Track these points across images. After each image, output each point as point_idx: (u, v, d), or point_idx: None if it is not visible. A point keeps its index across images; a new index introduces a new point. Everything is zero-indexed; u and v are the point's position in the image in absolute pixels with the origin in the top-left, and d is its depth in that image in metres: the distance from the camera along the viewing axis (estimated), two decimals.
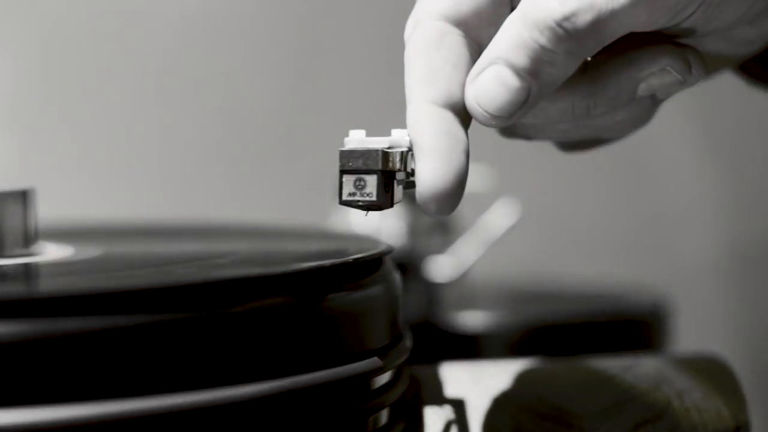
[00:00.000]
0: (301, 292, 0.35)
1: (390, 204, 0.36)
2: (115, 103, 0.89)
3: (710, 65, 0.41)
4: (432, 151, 0.35)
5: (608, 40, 0.36)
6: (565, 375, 0.44)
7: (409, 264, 0.70)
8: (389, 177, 0.36)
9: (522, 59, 0.35)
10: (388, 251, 0.41)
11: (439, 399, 0.43)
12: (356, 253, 0.39)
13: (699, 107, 1.01)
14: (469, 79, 0.36)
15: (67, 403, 0.30)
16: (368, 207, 0.36)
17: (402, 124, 0.37)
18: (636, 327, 0.70)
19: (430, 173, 0.35)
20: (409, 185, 0.38)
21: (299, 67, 0.93)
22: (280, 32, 0.93)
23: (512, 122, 0.36)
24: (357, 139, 0.36)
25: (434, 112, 0.36)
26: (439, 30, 0.37)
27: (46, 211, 0.53)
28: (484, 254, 0.72)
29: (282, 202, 0.91)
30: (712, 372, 0.45)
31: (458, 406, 0.43)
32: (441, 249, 0.72)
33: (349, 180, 0.36)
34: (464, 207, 0.75)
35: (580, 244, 1.02)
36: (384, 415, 0.38)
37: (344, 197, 0.36)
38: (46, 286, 0.37)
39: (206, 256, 0.44)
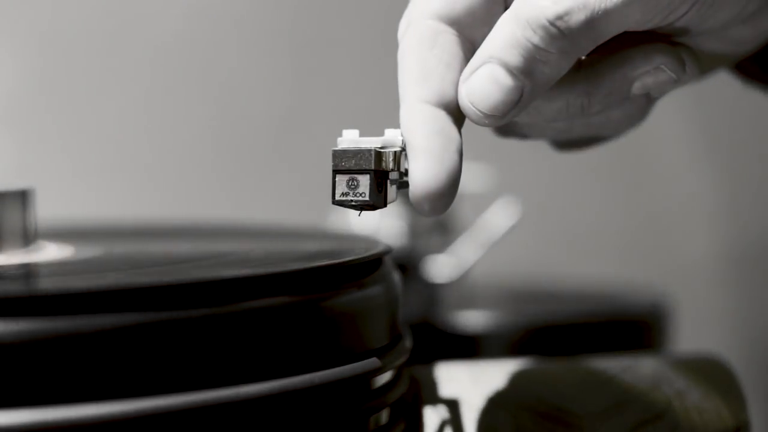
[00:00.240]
0: (301, 293, 0.35)
1: (383, 204, 0.36)
2: (115, 104, 0.89)
3: (705, 64, 0.41)
4: (425, 150, 0.35)
5: (602, 39, 0.36)
6: (565, 375, 0.44)
7: (409, 264, 0.70)
8: (382, 177, 0.36)
9: (515, 58, 0.35)
10: (387, 251, 0.41)
11: (439, 399, 0.43)
12: (356, 254, 0.39)
13: (699, 107, 1.01)
14: (462, 78, 0.36)
15: (66, 402, 0.30)
16: (361, 207, 0.36)
17: (398, 124, 0.37)
18: (635, 327, 0.70)
19: (423, 173, 0.35)
20: (403, 185, 0.38)
21: (299, 67, 0.93)
22: (280, 32, 0.93)
23: (506, 121, 0.36)
24: (350, 139, 0.36)
25: (427, 112, 0.36)
26: (433, 29, 0.37)
27: (46, 211, 0.53)
28: (484, 254, 0.72)
29: (281, 202, 0.91)
30: (711, 372, 0.45)
31: (458, 406, 0.43)
32: (441, 249, 0.72)
33: (341, 180, 0.36)
34: (464, 207, 0.75)
35: (580, 244, 1.02)
36: (384, 415, 0.38)
37: (337, 197, 0.36)
38: (45, 285, 0.37)
39: (206, 256, 0.44)
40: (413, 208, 0.36)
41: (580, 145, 0.45)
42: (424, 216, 0.38)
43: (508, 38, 0.35)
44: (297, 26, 0.93)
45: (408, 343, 0.41)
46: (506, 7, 0.37)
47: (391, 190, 0.37)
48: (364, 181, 0.36)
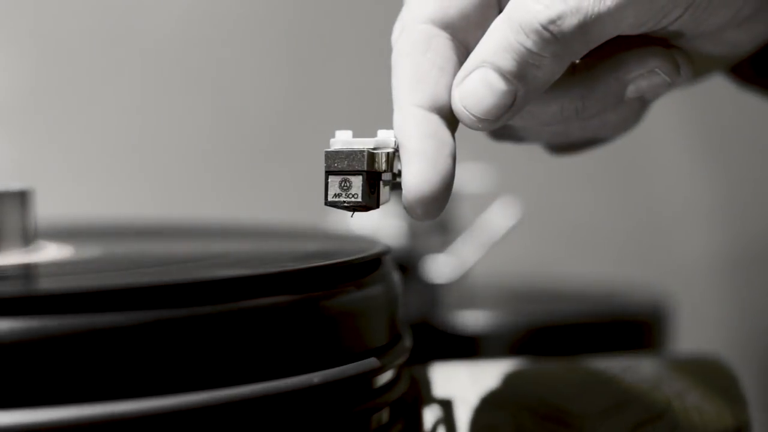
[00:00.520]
0: (301, 292, 0.35)
1: (376, 205, 0.36)
2: (115, 104, 0.89)
3: (700, 67, 0.41)
4: (418, 154, 0.35)
5: (595, 44, 0.36)
6: (565, 375, 0.44)
7: (408, 264, 0.70)
8: (375, 178, 0.36)
9: (508, 62, 0.35)
10: (387, 251, 0.41)
11: (439, 399, 0.43)
12: (355, 254, 0.39)
13: (699, 108, 1.01)
14: (455, 82, 0.36)
15: (66, 402, 0.30)
16: (354, 208, 0.36)
17: (392, 125, 0.37)
18: (635, 327, 0.70)
19: (416, 177, 0.35)
20: (397, 186, 0.38)
21: (299, 67, 0.93)
22: (279, 32, 0.93)
23: (499, 125, 0.36)
24: (343, 140, 0.36)
25: (420, 116, 0.36)
26: (426, 33, 0.37)
27: (45, 211, 0.53)
28: (484, 254, 0.72)
29: (281, 202, 0.91)
30: (712, 372, 0.45)
31: (458, 406, 0.43)
32: (441, 249, 0.72)
33: (334, 181, 0.36)
34: (464, 207, 0.75)
35: (580, 244, 1.02)
36: (384, 415, 0.38)
37: (329, 198, 0.36)
38: (45, 285, 0.37)
39: (206, 256, 0.44)
40: (406, 211, 0.35)
41: (575, 149, 0.45)
42: (416, 220, 0.38)
43: (501, 42, 0.35)
44: (301, 26, 0.93)
45: (408, 343, 0.41)
46: (500, 11, 0.37)
47: (384, 191, 0.37)
48: (357, 182, 0.36)
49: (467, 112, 0.36)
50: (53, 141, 0.88)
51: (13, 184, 0.46)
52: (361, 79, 0.91)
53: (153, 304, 0.32)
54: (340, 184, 0.36)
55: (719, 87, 0.51)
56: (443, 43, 0.37)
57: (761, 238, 1.06)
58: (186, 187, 0.91)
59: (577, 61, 0.38)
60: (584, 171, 0.99)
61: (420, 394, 0.43)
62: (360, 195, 0.35)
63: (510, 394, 0.43)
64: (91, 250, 0.46)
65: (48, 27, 0.87)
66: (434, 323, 0.66)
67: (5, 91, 0.86)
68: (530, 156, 0.47)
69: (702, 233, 1.05)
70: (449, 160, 0.35)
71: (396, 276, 0.42)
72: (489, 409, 0.42)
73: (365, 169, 0.35)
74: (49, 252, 0.45)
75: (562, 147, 0.45)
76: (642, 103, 0.41)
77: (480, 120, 0.36)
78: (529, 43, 0.35)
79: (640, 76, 0.38)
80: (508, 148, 0.45)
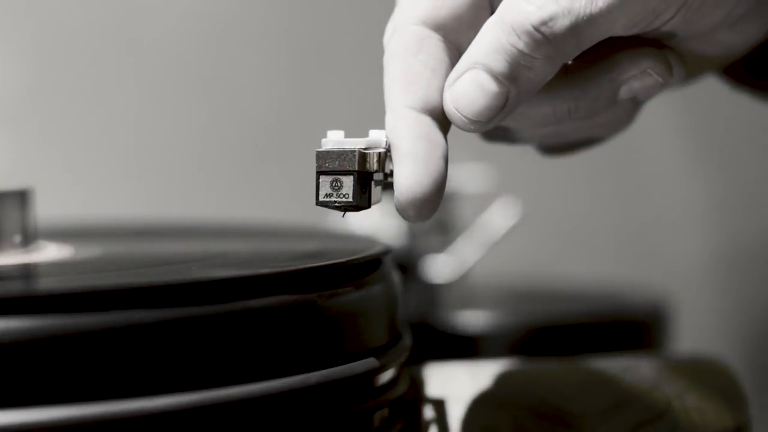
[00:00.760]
0: (301, 292, 0.35)
1: (367, 204, 0.36)
2: (114, 104, 0.89)
3: (693, 68, 0.41)
4: (410, 155, 0.35)
5: (587, 45, 0.36)
6: (565, 375, 0.44)
7: (408, 264, 0.70)
8: (366, 178, 0.36)
9: (500, 64, 0.35)
10: (387, 251, 0.41)
11: (439, 399, 0.43)
12: (355, 253, 0.39)
13: (698, 109, 1.01)
14: (447, 83, 0.36)
15: (66, 402, 0.30)
16: (345, 208, 0.36)
17: (384, 125, 0.37)
18: (635, 327, 0.70)
19: (408, 178, 0.35)
20: (389, 186, 0.38)
21: (299, 67, 0.94)
22: (275, 33, 0.93)
23: (491, 127, 0.36)
24: (334, 140, 0.36)
25: (412, 117, 0.36)
26: (418, 35, 0.37)
27: (45, 211, 0.53)
28: (484, 254, 0.72)
29: (281, 202, 0.91)
30: (711, 373, 0.45)
31: (457, 406, 0.43)
32: (441, 249, 0.72)
33: (325, 181, 0.36)
34: (464, 207, 0.75)
35: (580, 244, 1.02)
36: (383, 415, 0.38)
37: (321, 198, 0.36)
38: (45, 285, 0.37)
39: (206, 255, 0.44)
40: (398, 213, 0.35)
41: (567, 150, 0.45)
42: (409, 222, 0.38)
43: (492, 44, 0.35)
44: (290, 29, 0.93)
45: (407, 342, 0.41)
46: (492, 12, 0.37)
47: (376, 191, 0.37)
48: (348, 182, 0.36)
49: (459, 114, 0.36)
50: (53, 141, 0.88)
51: (13, 184, 0.46)
52: (356, 79, 0.91)
53: (153, 304, 0.32)
54: (332, 184, 0.36)
55: (719, 88, 0.51)
56: (435, 45, 0.37)
57: (760, 237, 1.06)
58: (185, 187, 0.91)
59: (570, 62, 0.38)
60: (584, 171, 0.99)
61: (420, 393, 0.43)
62: (351, 195, 0.35)
63: (510, 394, 0.43)
64: (91, 250, 0.46)
65: (48, 27, 0.87)
66: (434, 323, 0.65)
67: (5, 91, 0.86)
68: (530, 156, 0.47)
69: (702, 233, 1.05)
70: (441, 162, 0.35)
71: (396, 276, 0.42)
72: (489, 408, 0.42)
73: (356, 169, 0.35)
74: (49, 252, 0.45)
75: (555, 148, 0.45)
76: (635, 104, 0.41)
77: (472, 122, 0.36)
78: (520, 45, 0.35)
79: (633, 76, 0.38)
80: (507, 148, 0.45)
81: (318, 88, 0.94)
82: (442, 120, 0.36)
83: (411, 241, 0.71)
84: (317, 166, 0.36)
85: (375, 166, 0.36)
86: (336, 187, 0.36)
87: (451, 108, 0.36)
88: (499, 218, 0.72)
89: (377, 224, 0.71)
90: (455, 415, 0.42)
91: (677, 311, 0.80)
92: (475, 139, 0.43)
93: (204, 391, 0.32)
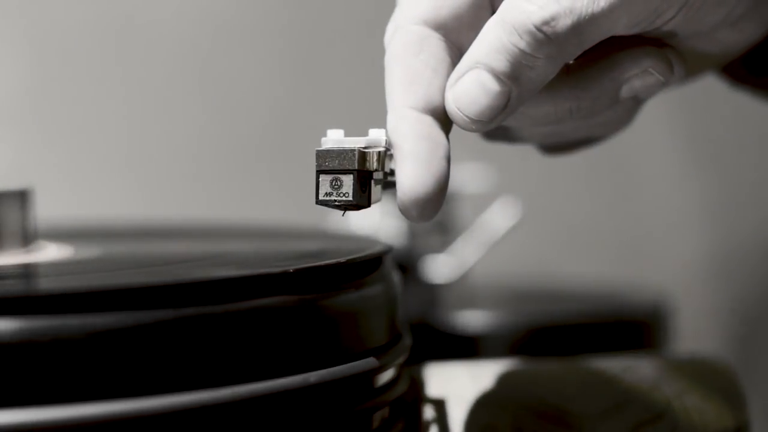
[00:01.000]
0: (301, 292, 0.35)
1: (367, 203, 0.36)
2: (115, 104, 0.89)
3: (693, 67, 0.41)
4: (412, 155, 0.35)
5: (588, 44, 0.36)
6: (565, 375, 0.44)
7: (408, 264, 0.70)
8: (366, 177, 0.36)
9: (502, 64, 0.35)
10: (388, 251, 0.41)
11: (439, 399, 0.43)
12: (355, 253, 0.39)
13: (698, 111, 1.01)
14: (449, 83, 0.36)
15: (66, 402, 0.30)
16: (345, 207, 0.36)
17: (383, 124, 0.37)
18: (635, 327, 0.70)
19: (410, 178, 0.35)
20: (388, 185, 0.38)
21: (299, 67, 0.94)
22: (279, 32, 0.93)
23: (493, 126, 0.36)
24: (334, 139, 0.36)
25: (414, 117, 0.36)
26: (419, 34, 0.37)
27: (45, 211, 0.53)
28: (484, 254, 0.72)
29: (281, 202, 0.91)
30: (711, 373, 0.45)
31: (457, 406, 0.43)
32: (441, 249, 0.72)
33: (325, 180, 0.36)
34: (464, 207, 0.75)
35: (580, 244, 1.02)
36: (383, 415, 0.38)
37: (321, 197, 0.36)
38: (45, 285, 0.37)
39: (206, 255, 0.44)
40: (401, 213, 0.35)
41: (568, 149, 0.45)
42: (412, 222, 0.38)
43: (494, 43, 0.35)
44: (289, 28, 0.93)
45: (407, 342, 0.41)
46: (493, 12, 0.37)
47: (376, 190, 0.37)
48: (348, 181, 0.36)
49: (461, 114, 0.36)
50: (53, 141, 0.88)
51: (13, 184, 0.46)
52: (356, 79, 0.91)
53: (153, 304, 0.32)
54: (331, 183, 0.36)
55: (716, 89, 0.51)
56: (436, 44, 0.37)
57: (760, 237, 1.06)
58: (185, 188, 0.91)
59: (571, 62, 0.38)
60: (584, 171, 0.99)
61: (420, 394, 0.43)
62: (351, 194, 0.36)
63: (510, 394, 0.43)
64: (91, 250, 0.46)
65: (47, 27, 0.87)
66: (434, 323, 0.65)
67: (5, 91, 0.86)
68: (530, 156, 0.47)
69: (702, 233, 1.05)
70: (443, 162, 0.35)
71: (396, 276, 0.42)
72: (489, 408, 0.42)
73: (356, 168, 0.35)
74: (49, 252, 0.45)
75: (555, 147, 0.45)
76: (635, 103, 0.41)
77: (474, 121, 0.36)
78: (522, 44, 0.35)
79: (634, 75, 0.38)
80: (508, 148, 0.45)
81: (318, 88, 0.94)
82: (444, 120, 0.36)
83: (411, 241, 0.71)
84: (317, 165, 0.36)
85: (375, 165, 0.36)
86: (336, 186, 0.36)
87: (453, 108, 0.36)
88: (499, 218, 0.72)
89: (377, 224, 0.71)
90: (455, 415, 0.42)
91: (677, 311, 0.80)
92: (475, 139, 0.43)
93: (204, 390, 0.32)
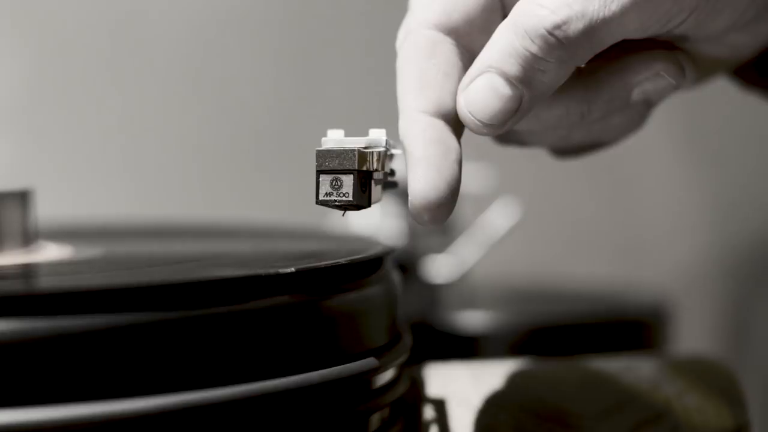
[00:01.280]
0: (301, 293, 0.35)
1: (367, 204, 0.36)
2: (115, 104, 0.89)
3: (704, 70, 0.41)
4: (423, 160, 0.35)
5: (600, 48, 0.36)
6: (565, 375, 0.44)
7: (408, 264, 0.70)
8: (366, 177, 0.36)
9: (514, 68, 0.35)
10: (388, 251, 0.41)
11: (439, 399, 0.43)
12: (356, 254, 0.39)
13: (698, 112, 1.01)
14: (460, 87, 0.36)
15: (66, 402, 0.30)
16: (345, 207, 0.36)
17: (383, 124, 0.37)
18: (636, 327, 0.70)
19: (422, 183, 0.35)
20: (389, 185, 0.38)
21: (299, 67, 0.94)
22: (279, 32, 0.93)
23: (505, 130, 0.36)
24: (334, 139, 0.36)
25: (426, 122, 0.36)
26: (431, 39, 0.37)
27: (46, 211, 0.53)
28: (484, 254, 0.72)
29: (281, 202, 0.91)
30: (712, 373, 0.45)
31: (457, 406, 0.43)
32: (441, 249, 0.72)
33: (325, 180, 0.36)
34: (464, 207, 0.75)
35: (580, 244, 1.02)
36: (383, 415, 0.38)
37: (321, 197, 0.36)
38: (45, 285, 0.37)
39: (206, 256, 0.44)
40: (413, 217, 0.35)
41: (579, 152, 0.45)
42: (423, 226, 0.38)
43: (506, 47, 0.35)
44: (290, 28, 0.93)
45: (407, 342, 0.41)
46: (504, 16, 0.37)
47: (376, 190, 0.37)
48: (348, 181, 0.36)
49: (473, 118, 0.36)
50: (53, 141, 0.88)
51: (13, 184, 0.46)
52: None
53: (153, 304, 0.32)
54: (332, 183, 0.36)
55: (717, 92, 0.51)
56: (448, 49, 0.37)
57: (760, 238, 1.06)
58: (185, 187, 0.91)
59: (583, 66, 0.38)
60: (584, 171, 0.99)
61: (420, 394, 0.43)
62: (351, 194, 0.36)
63: (510, 394, 0.43)
64: (91, 250, 0.46)
65: (47, 27, 0.87)
66: (434, 323, 0.65)
67: (6, 91, 0.86)
68: (530, 156, 0.47)
69: (702, 233, 1.05)
70: (455, 166, 0.35)
71: (396, 276, 0.42)
72: (489, 409, 0.42)
73: (356, 168, 0.35)
74: (49, 252, 0.45)
75: (566, 150, 0.45)
76: (647, 106, 0.41)
77: (485, 125, 0.36)
78: (534, 48, 0.35)
79: (646, 79, 0.38)
80: (508, 148, 0.45)
81: (317, 88, 0.94)
82: (456, 124, 0.36)
83: (411, 241, 0.71)
84: (317, 165, 0.36)
85: (375, 165, 0.36)
86: (336, 186, 0.36)
87: (464, 112, 0.36)
88: (499, 218, 0.72)
89: (377, 224, 0.70)
90: (455, 416, 0.42)
91: (677, 311, 0.80)
92: (475, 139, 0.43)
93: (204, 390, 0.32)
